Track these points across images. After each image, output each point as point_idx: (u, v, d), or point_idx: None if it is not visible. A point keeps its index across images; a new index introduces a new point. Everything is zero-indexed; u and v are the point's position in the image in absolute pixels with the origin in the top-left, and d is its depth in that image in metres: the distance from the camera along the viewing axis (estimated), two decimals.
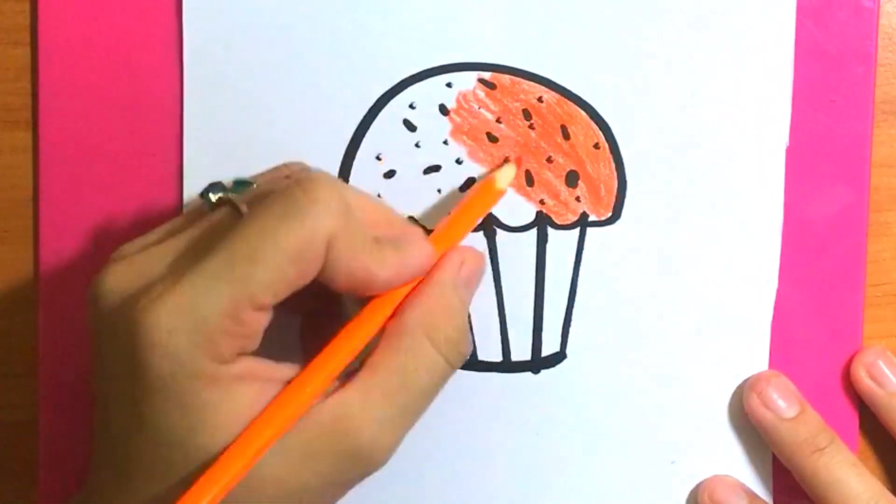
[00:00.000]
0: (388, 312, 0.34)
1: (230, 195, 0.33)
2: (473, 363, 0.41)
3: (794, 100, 0.40)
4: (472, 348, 0.35)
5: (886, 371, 0.40)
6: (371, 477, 0.41)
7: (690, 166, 0.40)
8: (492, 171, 0.39)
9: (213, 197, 0.33)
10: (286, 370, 0.32)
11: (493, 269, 0.40)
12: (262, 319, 0.31)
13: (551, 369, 0.41)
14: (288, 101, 0.40)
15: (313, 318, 0.38)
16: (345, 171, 0.40)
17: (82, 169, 0.40)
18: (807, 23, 0.40)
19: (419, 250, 0.34)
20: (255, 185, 0.34)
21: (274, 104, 0.40)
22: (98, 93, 0.39)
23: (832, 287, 0.41)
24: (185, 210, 0.40)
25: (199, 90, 0.39)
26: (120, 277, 0.32)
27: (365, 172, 0.40)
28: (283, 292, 0.31)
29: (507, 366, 0.41)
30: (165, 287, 0.30)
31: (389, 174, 0.40)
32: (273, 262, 0.30)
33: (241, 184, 0.34)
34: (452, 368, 0.34)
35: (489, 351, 0.41)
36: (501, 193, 0.39)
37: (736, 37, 0.40)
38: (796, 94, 0.40)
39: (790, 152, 0.40)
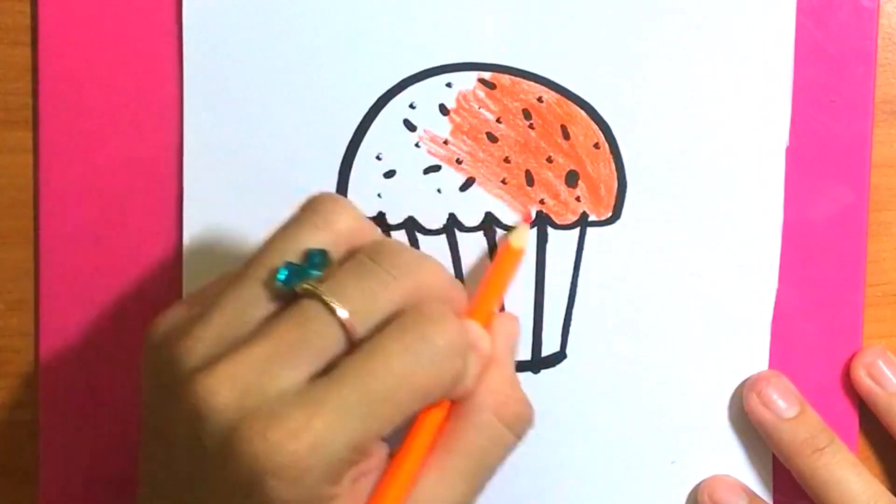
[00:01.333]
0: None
1: (315, 287, 0.31)
2: None
3: (794, 100, 0.40)
4: (534, 415, 0.35)
5: (886, 371, 0.40)
6: None
7: (690, 166, 0.40)
8: (507, 234, 0.39)
9: (297, 286, 0.31)
10: (381, 449, 0.32)
11: None
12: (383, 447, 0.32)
13: (551, 369, 0.41)
14: (288, 101, 0.40)
15: None
16: (345, 171, 0.40)
17: (82, 168, 0.40)
18: (807, 23, 0.40)
19: (483, 343, 0.34)
20: (329, 257, 0.32)
21: (274, 104, 0.40)
22: (98, 93, 0.39)
23: (832, 287, 0.41)
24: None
25: (199, 89, 0.39)
26: (228, 387, 0.30)
27: (365, 172, 0.40)
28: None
29: None
30: (298, 423, 0.29)
31: (389, 174, 0.40)
32: (407, 405, 0.30)
33: (315, 259, 0.32)
34: (520, 440, 0.34)
35: None
36: (521, 253, 0.39)
37: (736, 37, 0.40)
38: (796, 94, 0.40)
39: (790, 152, 0.40)
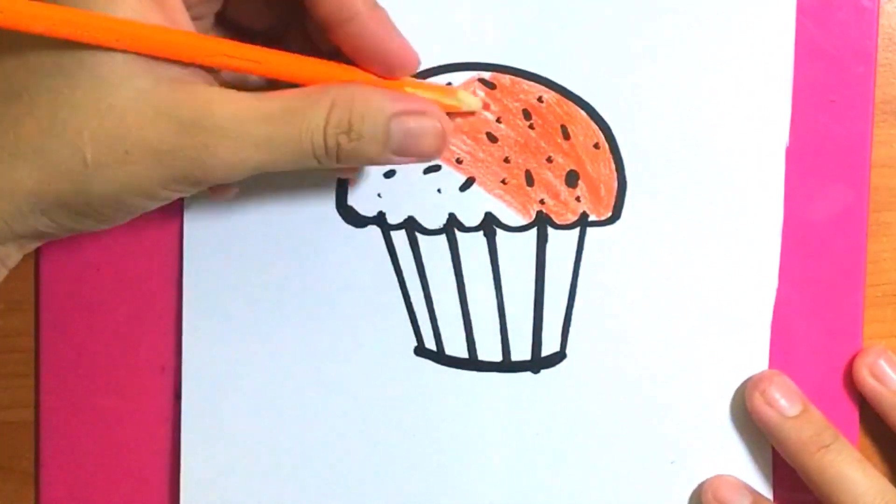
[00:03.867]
0: (330, 76, 0.34)
1: None
2: (473, 363, 0.41)
3: (794, 100, 0.40)
4: (386, 155, 0.34)
5: (888, 370, 0.40)
6: (371, 476, 0.41)
7: (690, 166, 0.40)
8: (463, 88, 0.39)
9: None
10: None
11: (493, 269, 0.40)
12: None
13: (551, 369, 0.41)
14: None
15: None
16: None
17: None
18: (807, 23, 0.40)
19: (412, 50, 0.35)
20: None
21: None
22: None
23: (832, 287, 0.41)
24: None
25: None
26: None
27: (365, 172, 0.40)
28: None
29: (507, 366, 0.41)
30: None
31: (389, 174, 0.40)
32: None
33: None
34: (326, 151, 0.33)
35: (489, 351, 0.41)
36: (457, 107, 0.39)
37: (736, 37, 0.40)
38: (796, 94, 0.40)
39: (790, 152, 0.40)
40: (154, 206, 0.33)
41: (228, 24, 0.37)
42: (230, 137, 0.32)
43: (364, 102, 0.33)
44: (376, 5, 0.35)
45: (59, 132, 0.31)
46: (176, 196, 0.33)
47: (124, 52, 0.31)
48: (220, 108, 0.32)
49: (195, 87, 0.32)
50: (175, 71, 0.32)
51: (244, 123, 0.32)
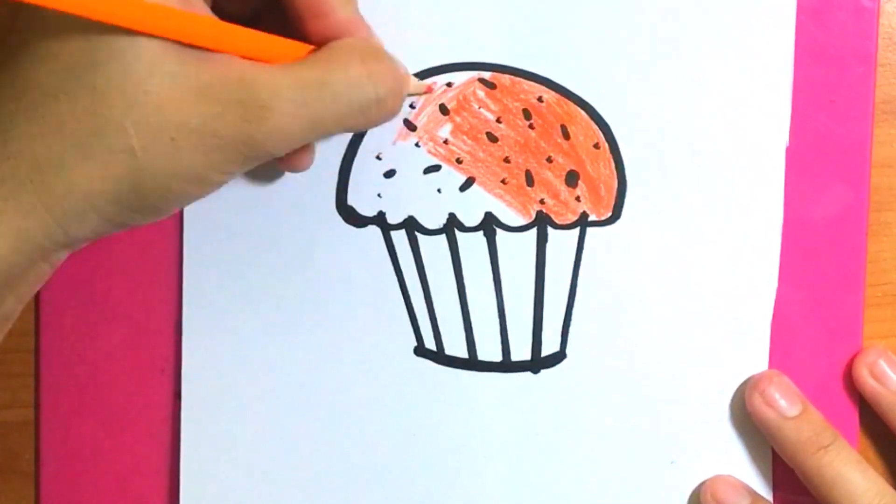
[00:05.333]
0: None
1: None
2: (473, 363, 0.41)
3: (794, 100, 0.40)
4: (397, 113, 0.36)
5: (888, 370, 0.40)
6: (371, 476, 0.41)
7: (690, 166, 0.40)
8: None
9: None
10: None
11: (493, 269, 0.40)
12: None
13: (551, 369, 0.41)
14: None
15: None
16: (345, 171, 0.40)
17: None
18: (807, 23, 0.40)
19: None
20: None
21: None
22: None
23: (832, 287, 0.41)
24: None
25: None
26: None
27: (365, 172, 0.40)
28: None
29: (507, 366, 0.41)
30: None
31: (389, 174, 0.40)
32: None
33: None
34: (378, 104, 0.34)
35: (489, 351, 0.41)
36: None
37: (736, 37, 0.40)
38: (796, 94, 0.40)
39: (790, 152, 0.40)
40: (208, 191, 0.33)
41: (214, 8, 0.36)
42: (272, 110, 0.32)
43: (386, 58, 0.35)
44: (354, 11, 0.35)
45: (102, 128, 0.31)
46: (229, 178, 0.33)
47: (149, 36, 0.30)
48: (255, 83, 0.32)
49: (224, 65, 0.32)
50: (200, 50, 0.32)
51: (283, 93, 0.32)
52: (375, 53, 0.35)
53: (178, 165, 0.31)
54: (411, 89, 0.37)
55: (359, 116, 0.34)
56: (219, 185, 0.33)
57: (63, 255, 0.33)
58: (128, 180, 0.31)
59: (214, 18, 0.33)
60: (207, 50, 0.32)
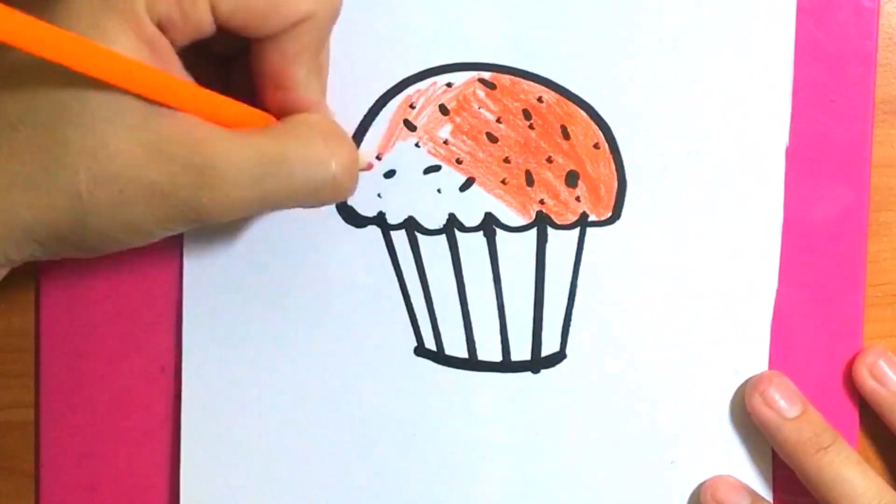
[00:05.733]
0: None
1: None
2: (473, 363, 0.41)
3: (794, 100, 0.40)
4: (352, 194, 0.36)
5: (888, 371, 0.40)
6: (371, 476, 0.41)
7: (690, 166, 0.40)
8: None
9: None
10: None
11: (493, 269, 0.40)
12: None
13: (551, 369, 0.41)
14: None
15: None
16: None
17: None
18: (807, 23, 0.40)
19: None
20: None
21: None
22: None
23: (832, 287, 0.41)
24: None
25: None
26: None
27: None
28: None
29: (507, 366, 0.41)
30: None
31: (389, 174, 0.40)
32: None
33: None
34: (333, 185, 0.34)
35: (489, 351, 0.41)
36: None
37: (736, 37, 0.40)
38: (796, 94, 0.40)
39: (790, 152, 0.40)
40: (148, 242, 0.34)
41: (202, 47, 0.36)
42: (225, 180, 0.32)
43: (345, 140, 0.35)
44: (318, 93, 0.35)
45: (54, 168, 0.31)
46: (170, 234, 0.33)
47: (114, 88, 0.31)
48: (212, 149, 0.32)
49: (186, 125, 0.32)
50: (164, 107, 0.32)
51: (239, 164, 0.32)
52: (335, 133, 0.35)
53: (122, 216, 0.32)
54: (361, 165, 0.38)
55: (312, 195, 0.34)
56: (159, 237, 0.34)
57: (4, 272, 0.34)
58: (70, 220, 0.31)
59: (180, 78, 0.33)
60: (171, 108, 0.32)
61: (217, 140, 0.32)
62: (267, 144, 0.33)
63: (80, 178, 0.31)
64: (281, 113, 0.35)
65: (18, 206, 0.31)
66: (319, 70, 0.35)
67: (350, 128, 0.40)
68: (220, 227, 0.40)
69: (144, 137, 0.31)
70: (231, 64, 0.37)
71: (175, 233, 0.34)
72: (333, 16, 0.35)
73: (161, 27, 0.32)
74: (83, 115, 0.31)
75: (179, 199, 0.32)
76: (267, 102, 0.35)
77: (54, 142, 0.31)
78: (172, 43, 0.33)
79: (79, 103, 0.31)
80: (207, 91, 0.33)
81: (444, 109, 0.40)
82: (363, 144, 0.40)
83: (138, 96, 0.31)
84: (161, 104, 0.32)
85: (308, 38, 0.34)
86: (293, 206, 0.35)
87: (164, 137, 0.31)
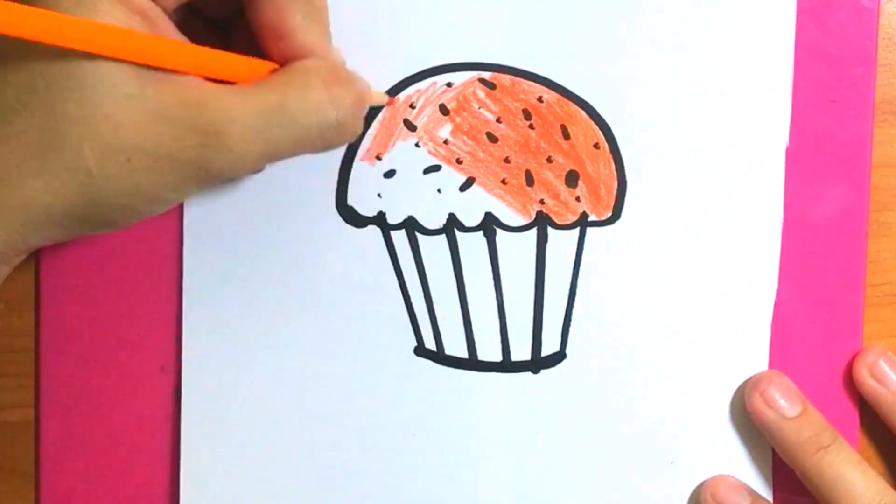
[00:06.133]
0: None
1: None
2: (473, 363, 0.41)
3: (794, 100, 0.40)
4: (357, 135, 0.36)
5: (888, 371, 0.40)
6: (371, 476, 0.41)
7: (690, 166, 0.40)
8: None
9: None
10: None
11: (493, 269, 0.40)
12: None
13: (551, 369, 0.41)
14: None
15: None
16: (345, 171, 0.40)
17: None
18: (807, 23, 0.40)
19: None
20: None
21: None
22: None
23: (832, 287, 0.41)
24: None
25: None
26: None
27: (365, 172, 0.40)
28: None
29: (507, 366, 0.41)
30: None
31: (389, 174, 0.40)
32: None
33: None
34: (337, 128, 0.34)
35: (489, 351, 0.41)
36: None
37: (736, 37, 0.40)
38: (796, 94, 0.40)
39: (790, 152, 0.40)
40: (165, 209, 0.34)
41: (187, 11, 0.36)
42: (229, 135, 0.32)
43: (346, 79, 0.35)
44: (319, 33, 0.35)
45: (60, 146, 0.31)
46: (186, 197, 0.34)
47: (109, 59, 0.31)
48: (213, 107, 0.32)
49: (184, 87, 0.32)
50: (160, 71, 0.32)
51: (239, 118, 0.32)
52: (336, 75, 0.34)
53: (134, 185, 0.32)
54: (373, 102, 0.38)
55: (317, 140, 0.34)
56: (176, 202, 0.34)
57: (21, 258, 0.34)
58: (84, 197, 0.32)
59: (173, 39, 0.33)
60: (168, 71, 0.32)
61: (216, 97, 0.32)
62: (266, 95, 0.33)
63: (87, 155, 0.31)
64: (285, 62, 0.35)
65: (33, 189, 0.31)
66: (317, 13, 0.35)
67: None
68: (220, 226, 0.40)
69: (144, 105, 0.31)
70: (231, 29, 0.37)
71: (189, 196, 0.34)
72: None
73: None
74: (81, 91, 0.31)
75: (187, 161, 0.32)
76: (273, 57, 0.35)
77: (56, 123, 0.31)
78: (164, 9, 0.33)
79: (74, 79, 0.31)
80: (205, 48, 0.33)
81: (444, 109, 0.40)
82: (363, 145, 0.40)
83: (133, 65, 0.31)
84: (160, 69, 0.32)
85: None
86: (305, 153, 0.35)
87: (163, 102, 0.31)
